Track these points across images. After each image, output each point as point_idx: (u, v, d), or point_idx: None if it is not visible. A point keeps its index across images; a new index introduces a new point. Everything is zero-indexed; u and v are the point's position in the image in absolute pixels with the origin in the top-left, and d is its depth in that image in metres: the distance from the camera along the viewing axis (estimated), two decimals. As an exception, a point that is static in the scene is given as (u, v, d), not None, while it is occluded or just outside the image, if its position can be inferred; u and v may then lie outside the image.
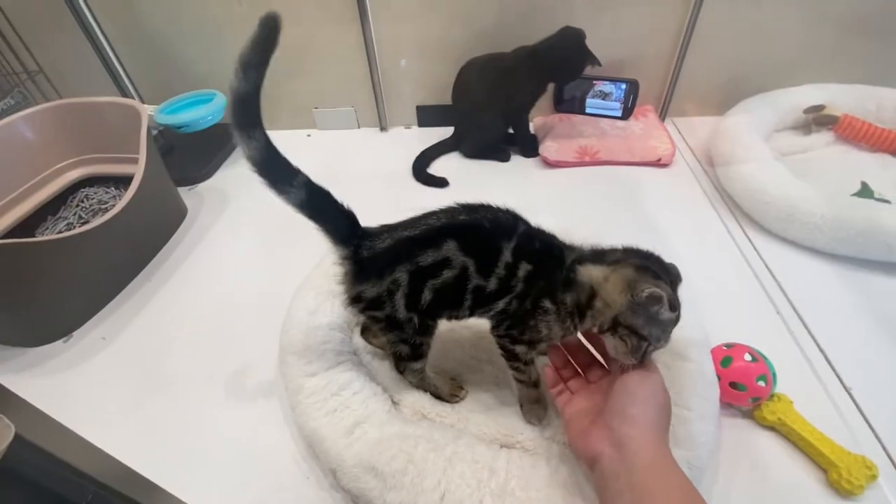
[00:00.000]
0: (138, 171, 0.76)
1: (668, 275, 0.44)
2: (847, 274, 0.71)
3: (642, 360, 0.43)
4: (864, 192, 0.80)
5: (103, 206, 0.90)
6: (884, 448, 0.54)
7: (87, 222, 0.83)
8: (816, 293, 0.70)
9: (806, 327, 0.66)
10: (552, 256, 0.47)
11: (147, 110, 0.84)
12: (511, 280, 0.46)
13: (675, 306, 0.41)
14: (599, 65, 0.89)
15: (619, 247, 0.47)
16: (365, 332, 0.63)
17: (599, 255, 0.46)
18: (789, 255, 0.76)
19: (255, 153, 0.43)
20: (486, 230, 0.47)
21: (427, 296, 0.47)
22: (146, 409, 0.62)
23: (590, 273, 0.44)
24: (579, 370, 0.51)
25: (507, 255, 0.46)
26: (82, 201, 0.91)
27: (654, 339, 0.42)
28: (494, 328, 0.51)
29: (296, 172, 0.45)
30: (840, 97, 0.96)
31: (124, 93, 1.05)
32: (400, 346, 0.52)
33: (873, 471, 0.50)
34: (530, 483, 0.47)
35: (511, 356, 0.51)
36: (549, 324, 0.47)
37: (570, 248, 0.48)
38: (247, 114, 0.42)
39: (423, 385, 0.58)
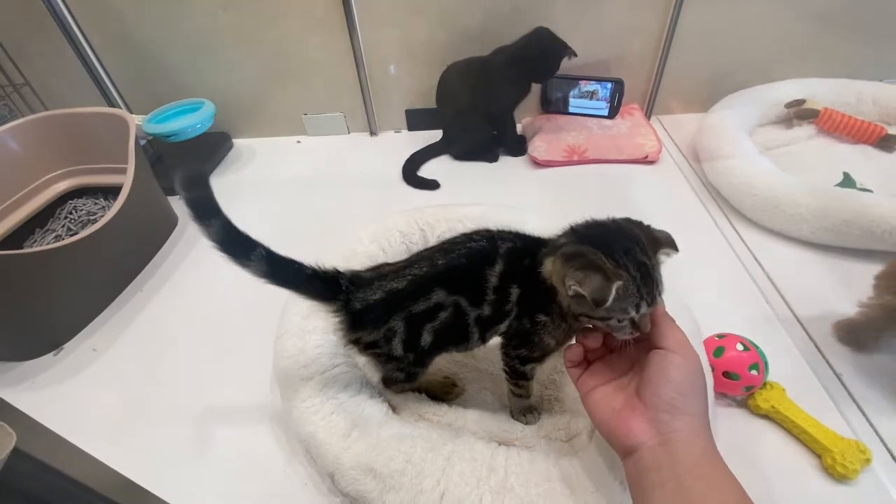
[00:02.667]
0: (127, 181, 0.76)
1: (622, 245, 0.40)
2: (832, 262, 0.73)
3: (639, 329, 0.41)
4: (847, 182, 0.81)
5: (92, 218, 0.90)
6: (876, 432, 0.54)
7: (75, 234, 0.82)
8: (803, 281, 0.71)
9: (795, 315, 0.67)
10: (535, 270, 0.45)
11: (135, 120, 0.83)
12: (505, 305, 0.46)
13: (602, 300, 0.37)
14: (575, 55, 0.89)
15: (580, 223, 0.44)
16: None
17: (559, 243, 0.43)
18: (776, 245, 0.77)
19: (214, 236, 0.45)
20: (465, 266, 0.47)
21: (427, 337, 0.48)
22: (139, 419, 0.61)
23: (546, 268, 0.43)
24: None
25: (493, 281, 0.46)
26: (71, 213, 0.90)
27: (620, 317, 0.40)
28: (504, 346, 0.50)
29: (254, 246, 0.46)
30: (820, 91, 0.98)
31: (112, 103, 1.04)
32: (396, 374, 0.53)
33: (867, 455, 0.50)
34: (529, 479, 0.46)
35: (520, 376, 0.51)
36: (552, 333, 0.46)
37: (550, 242, 0.46)
38: (204, 209, 0.44)
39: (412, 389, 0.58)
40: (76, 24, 0.95)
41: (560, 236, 0.44)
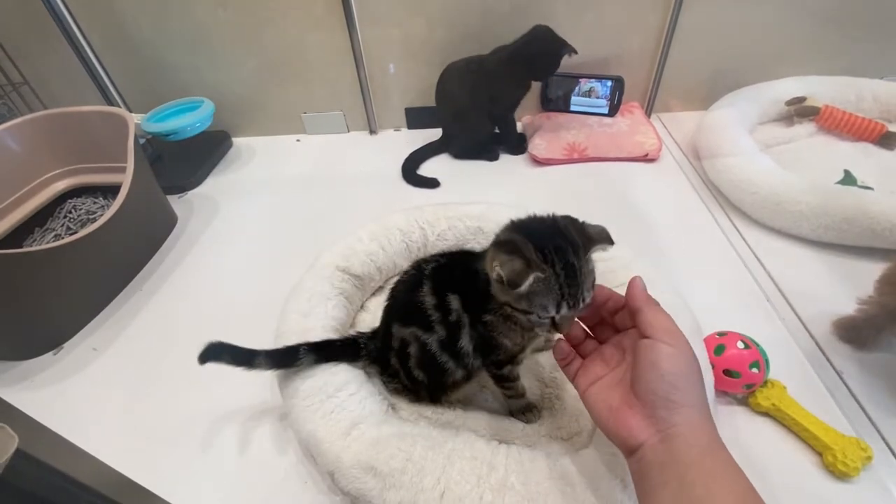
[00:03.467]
0: (126, 180, 0.76)
1: (554, 242, 0.40)
2: (832, 260, 0.73)
3: (559, 330, 0.42)
4: (847, 179, 0.81)
5: (91, 217, 0.89)
6: (877, 429, 0.54)
7: (75, 233, 0.82)
8: (804, 279, 0.71)
9: (795, 313, 0.66)
10: (471, 272, 0.46)
11: (134, 118, 0.83)
12: (449, 316, 0.48)
13: (516, 283, 0.38)
14: (575, 52, 0.89)
15: (522, 218, 0.45)
16: None
17: (498, 236, 0.45)
18: (776, 243, 0.77)
19: (267, 366, 0.53)
20: (402, 300, 0.53)
21: (419, 373, 0.53)
22: (139, 418, 0.61)
23: (486, 260, 0.44)
24: (587, 331, 0.46)
25: (428, 300, 0.49)
26: (70, 212, 0.90)
27: (540, 313, 0.40)
28: (484, 365, 0.52)
29: (296, 350, 0.54)
30: (821, 88, 0.98)
31: (111, 102, 1.04)
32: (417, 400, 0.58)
33: (868, 452, 0.50)
34: (530, 476, 0.46)
35: (501, 379, 0.53)
36: (504, 332, 0.47)
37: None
38: (249, 359, 0.53)
39: None
40: (75, 22, 0.95)
41: (501, 230, 0.45)
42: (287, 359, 0.53)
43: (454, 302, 0.48)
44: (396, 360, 0.54)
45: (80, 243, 0.68)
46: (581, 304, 0.40)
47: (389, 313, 0.55)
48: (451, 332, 0.49)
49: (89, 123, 0.86)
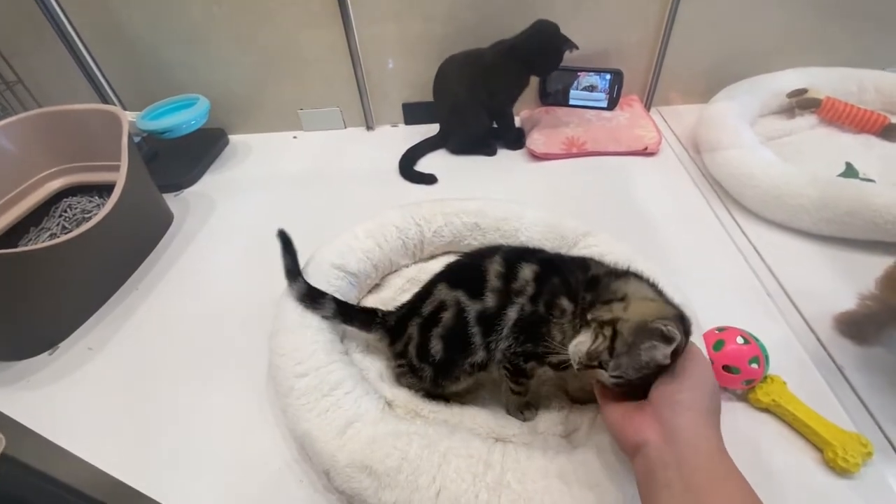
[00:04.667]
0: (120, 178, 0.75)
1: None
2: (834, 253, 0.72)
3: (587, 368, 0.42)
4: (849, 172, 0.80)
5: (87, 216, 0.89)
6: (878, 425, 0.54)
7: (71, 232, 0.82)
8: (804, 273, 0.70)
9: (796, 308, 0.66)
10: (560, 260, 0.50)
11: (128, 116, 0.82)
12: (512, 283, 0.48)
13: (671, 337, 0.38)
14: (577, 48, 0.88)
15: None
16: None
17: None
18: (777, 237, 0.76)
19: (296, 293, 0.60)
20: (462, 263, 0.54)
21: (436, 345, 0.51)
22: (134, 418, 0.61)
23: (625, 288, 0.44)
24: None
25: (495, 266, 0.49)
26: (65, 211, 0.89)
27: (613, 367, 0.41)
28: (508, 349, 0.49)
29: (324, 295, 0.59)
30: (822, 80, 0.97)
31: (106, 100, 1.04)
32: (418, 383, 0.57)
33: (868, 448, 0.50)
34: (526, 475, 0.46)
35: (519, 372, 0.50)
36: (564, 327, 0.45)
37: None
38: (293, 272, 0.60)
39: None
40: (68, 20, 0.94)
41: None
42: (315, 296, 0.59)
43: (526, 270, 0.48)
44: (417, 329, 0.53)
45: (74, 242, 0.67)
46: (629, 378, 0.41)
47: (441, 273, 0.55)
48: (500, 301, 0.48)
49: (83, 122, 0.85)
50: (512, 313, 0.47)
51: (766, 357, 0.54)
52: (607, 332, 0.40)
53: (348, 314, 0.59)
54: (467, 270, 0.52)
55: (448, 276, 0.53)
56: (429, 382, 0.54)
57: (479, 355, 0.50)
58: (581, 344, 0.42)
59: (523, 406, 0.54)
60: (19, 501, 0.28)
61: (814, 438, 0.51)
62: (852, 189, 0.72)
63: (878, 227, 0.68)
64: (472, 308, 0.49)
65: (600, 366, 0.41)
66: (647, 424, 0.38)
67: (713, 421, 0.38)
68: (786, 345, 0.61)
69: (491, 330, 0.49)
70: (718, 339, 0.55)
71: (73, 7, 0.95)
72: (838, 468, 0.49)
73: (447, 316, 0.50)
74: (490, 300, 0.48)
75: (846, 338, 0.62)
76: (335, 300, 0.59)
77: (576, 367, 0.42)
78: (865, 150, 0.87)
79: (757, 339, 0.55)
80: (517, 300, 0.47)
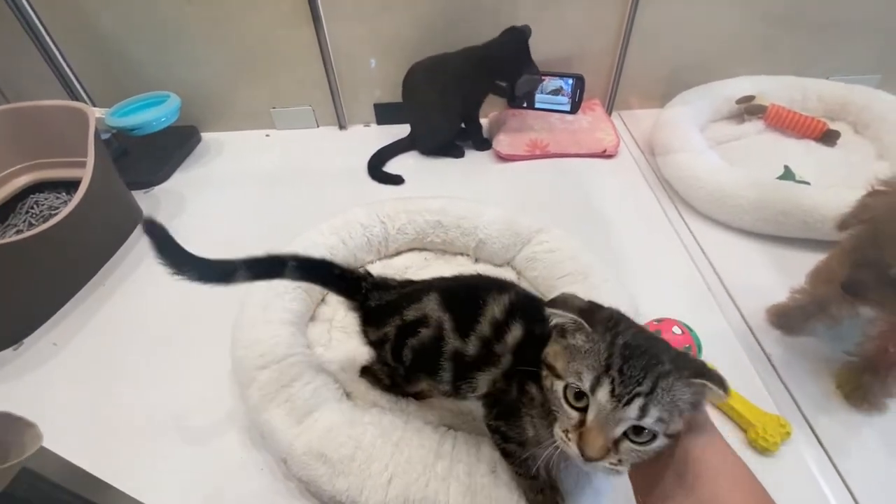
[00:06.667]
0: (86, 174, 0.76)
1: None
2: (770, 251, 0.77)
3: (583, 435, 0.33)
4: (787, 175, 0.86)
5: (54, 212, 0.89)
6: (798, 407, 0.59)
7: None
8: (743, 270, 0.76)
9: (733, 301, 0.71)
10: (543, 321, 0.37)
11: (95, 113, 0.83)
12: (496, 345, 0.41)
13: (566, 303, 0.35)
14: (538, 72, 0.94)
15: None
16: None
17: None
18: (721, 235, 0.81)
19: (247, 276, 0.50)
20: (465, 284, 0.48)
21: (408, 354, 0.48)
22: (99, 413, 0.62)
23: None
24: None
25: (494, 310, 0.42)
26: (32, 207, 0.89)
27: (573, 378, 0.34)
28: (486, 416, 0.46)
29: (285, 261, 0.50)
30: (770, 87, 1.02)
31: (75, 96, 1.03)
32: (383, 376, 0.57)
33: (787, 428, 0.54)
34: (474, 468, 0.48)
35: (504, 454, 0.46)
36: (534, 420, 0.39)
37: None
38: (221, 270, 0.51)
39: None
40: (37, 16, 0.94)
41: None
42: (273, 268, 0.50)
43: (516, 332, 0.41)
44: (394, 329, 0.48)
45: (39, 238, 0.68)
46: (628, 403, 0.32)
47: (440, 281, 0.49)
48: (479, 354, 0.42)
49: (51, 118, 0.85)
50: (483, 380, 0.43)
51: (700, 346, 0.59)
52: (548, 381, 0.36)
53: (323, 277, 0.52)
54: (466, 296, 0.45)
55: (445, 291, 0.47)
56: (401, 380, 0.54)
57: (445, 387, 0.46)
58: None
59: (539, 491, 0.46)
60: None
61: (738, 420, 0.56)
62: (786, 191, 0.77)
63: (808, 226, 0.73)
64: (451, 343, 0.44)
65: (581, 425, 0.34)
66: None
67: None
68: (721, 335, 0.66)
69: (462, 377, 0.44)
70: (655, 329, 0.59)
71: (42, 3, 0.94)
72: (759, 447, 0.54)
73: (426, 334, 0.45)
74: (471, 347, 0.43)
75: (776, 328, 0.67)
76: (300, 263, 0.50)
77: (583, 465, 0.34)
78: (805, 154, 0.93)
79: (691, 329, 0.60)
80: (492, 369, 0.42)
